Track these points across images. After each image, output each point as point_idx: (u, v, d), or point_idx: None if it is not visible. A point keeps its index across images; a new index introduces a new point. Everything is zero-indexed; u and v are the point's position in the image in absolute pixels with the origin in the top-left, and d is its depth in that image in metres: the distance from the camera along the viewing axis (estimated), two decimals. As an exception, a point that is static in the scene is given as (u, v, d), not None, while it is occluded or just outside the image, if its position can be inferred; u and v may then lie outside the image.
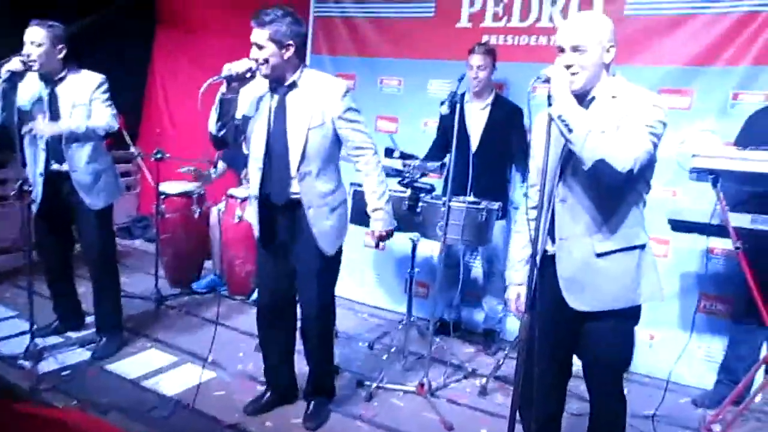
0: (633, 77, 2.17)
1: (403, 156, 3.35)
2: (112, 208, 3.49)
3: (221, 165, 4.80)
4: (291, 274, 2.87)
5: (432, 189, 3.49)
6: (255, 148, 2.70)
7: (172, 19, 6.14)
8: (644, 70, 3.60)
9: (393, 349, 3.65)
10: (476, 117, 3.82)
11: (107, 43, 5.34)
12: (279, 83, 2.63)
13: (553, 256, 2.19)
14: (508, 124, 3.80)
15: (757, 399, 3.24)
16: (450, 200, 3.18)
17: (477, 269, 4.27)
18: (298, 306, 2.98)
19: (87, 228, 3.42)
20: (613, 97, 2.06)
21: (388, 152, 3.35)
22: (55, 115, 3.20)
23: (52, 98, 3.22)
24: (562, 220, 2.15)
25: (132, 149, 4.85)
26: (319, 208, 2.72)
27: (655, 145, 2.01)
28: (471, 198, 3.35)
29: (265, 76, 2.58)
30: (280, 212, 2.76)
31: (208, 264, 4.97)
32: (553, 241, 2.19)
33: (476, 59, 3.72)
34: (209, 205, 4.89)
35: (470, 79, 3.75)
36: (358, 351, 3.85)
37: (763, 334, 3.34)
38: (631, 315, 2.18)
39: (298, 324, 3.02)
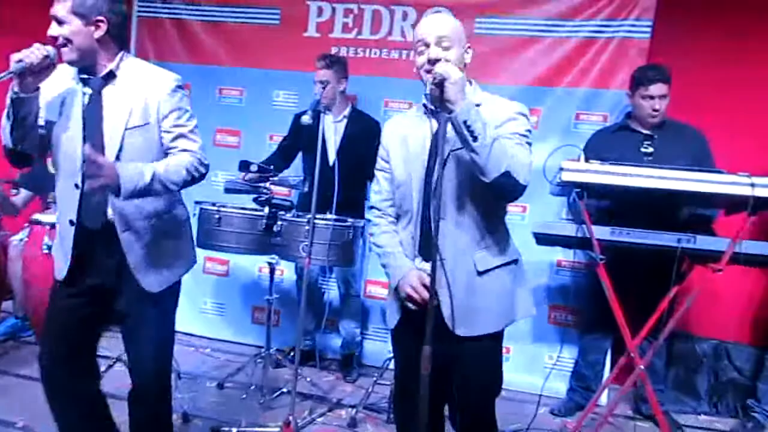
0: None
1: (261, 170, 3.02)
2: None
3: (24, 193, 4.02)
4: (94, 322, 2.20)
5: (292, 206, 3.21)
6: (69, 159, 2.07)
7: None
8: (492, 89, 3.64)
9: (252, 387, 3.25)
10: (331, 130, 3.62)
11: None
12: (91, 73, 2.07)
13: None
14: (365, 139, 3.64)
15: (603, 401, 3.42)
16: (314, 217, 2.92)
17: (331, 292, 4.05)
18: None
19: None
20: (478, 105, 1.92)
21: (243, 166, 3.01)
22: None
23: None
24: (440, 239, 1.88)
25: None
26: (137, 233, 2.10)
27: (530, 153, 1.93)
28: (332, 215, 3.12)
29: (70, 63, 2.03)
30: (99, 243, 2.11)
31: (6, 305, 4.13)
32: (427, 260, 1.96)
33: (318, 73, 3.53)
34: (7, 234, 4.08)
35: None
36: (207, 392, 3.39)
37: (609, 340, 3.53)
38: (501, 333, 2.05)
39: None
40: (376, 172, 2.16)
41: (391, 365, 3.39)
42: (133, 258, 2.11)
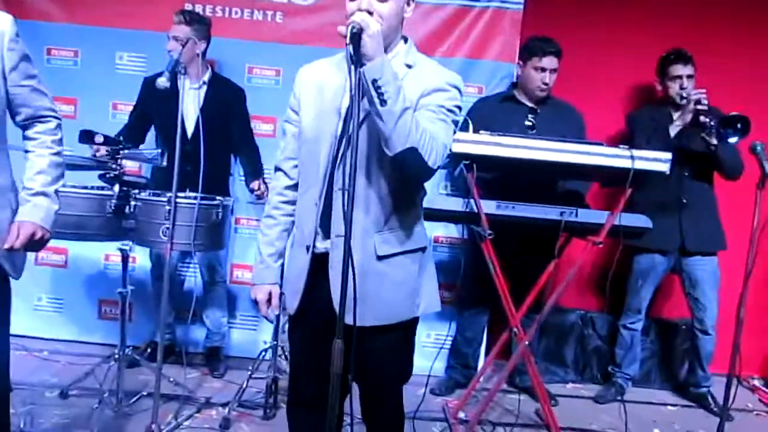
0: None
1: (108, 141, 2.57)
2: None
3: None
4: None
5: (147, 184, 2.79)
6: None
7: None
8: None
9: (106, 394, 2.80)
10: (189, 98, 3.20)
11: None
12: None
13: (325, 255, 1.75)
14: (227, 107, 3.29)
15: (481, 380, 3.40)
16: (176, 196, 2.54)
17: (192, 279, 3.65)
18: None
19: None
20: (409, 66, 1.72)
21: (86, 136, 2.54)
22: None
23: None
24: (339, 213, 1.64)
25: None
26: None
27: (454, 133, 1.77)
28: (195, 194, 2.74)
29: None
30: None
31: None
32: (327, 236, 1.75)
33: (176, 28, 3.11)
34: None
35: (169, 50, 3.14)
36: (48, 404, 2.88)
37: (486, 316, 3.52)
38: (411, 324, 1.87)
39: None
40: (284, 125, 1.88)
41: (268, 356, 3.16)
42: None
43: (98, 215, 2.63)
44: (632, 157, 2.56)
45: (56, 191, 1.89)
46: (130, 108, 3.45)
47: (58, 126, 1.94)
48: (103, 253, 3.65)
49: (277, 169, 1.91)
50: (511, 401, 3.30)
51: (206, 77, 3.27)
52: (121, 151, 2.59)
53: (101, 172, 2.65)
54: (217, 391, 3.21)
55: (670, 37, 3.56)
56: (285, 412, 2.31)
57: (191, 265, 3.65)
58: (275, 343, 2.98)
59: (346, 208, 1.50)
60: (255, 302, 1.93)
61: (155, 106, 3.24)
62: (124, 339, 2.84)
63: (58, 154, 1.91)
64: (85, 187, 2.68)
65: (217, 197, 2.78)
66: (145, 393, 2.90)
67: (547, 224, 2.73)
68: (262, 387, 2.98)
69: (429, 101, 1.66)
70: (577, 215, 2.72)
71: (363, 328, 1.66)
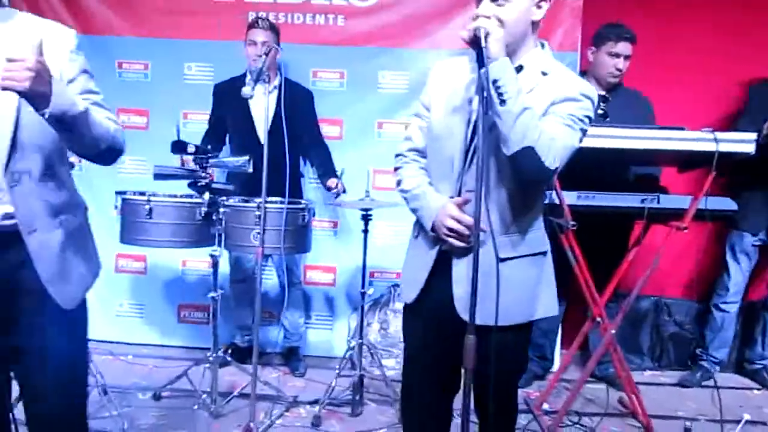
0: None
1: (198, 151, 2.65)
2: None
3: None
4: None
5: (233, 191, 2.85)
6: None
7: None
8: (433, 53, 3.52)
9: (203, 396, 2.88)
10: (261, 103, 3.26)
11: None
12: None
13: (448, 254, 1.79)
14: (298, 111, 3.35)
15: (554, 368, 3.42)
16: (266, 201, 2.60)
17: (270, 281, 3.74)
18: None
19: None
20: (544, 73, 1.71)
21: (179, 147, 2.62)
22: None
23: None
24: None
25: None
26: (48, 233, 1.60)
27: (580, 141, 1.73)
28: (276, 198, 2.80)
29: None
30: None
31: None
32: None
33: (260, 34, 3.18)
34: None
35: (250, 57, 3.21)
36: (143, 406, 2.98)
37: (562, 306, 3.50)
38: (528, 324, 1.87)
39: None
40: (413, 118, 1.91)
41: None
42: (48, 268, 1.59)
43: (189, 223, 2.72)
44: (716, 140, 2.53)
45: (89, 117, 1.51)
46: (200, 117, 3.56)
47: (123, 136, 1.71)
48: (181, 259, 3.75)
49: (398, 155, 1.92)
50: (589, 391, 3.29)
51: (277, 82, 3.33)
52: (209, 160, 2.66)
53: (190, 180, 2.73)
54: (300, 389, 3.28)
55: (732, 22, 3.51)
56: (371, 408, 2.31)
57: (265, 268, 3.74)
58: (360, 341, 3.03)
59: (474, 210, 1.54)
60: (451, 233, 1.72)
61: (228, 112, 3.33)
62: (216, 342, 2.93)
63: (108, 119, 1.63)
64: (174, 196, 2.77)
65: (302, 201, 2.83)
66: (236, 393, 2.98)
67: (628, 212, 2.73)
68: (344, 385, 3.04)
69: (558, 109, 1.66)
70: (659, 201, 2.71)
71: (482, 326, 1.66)
